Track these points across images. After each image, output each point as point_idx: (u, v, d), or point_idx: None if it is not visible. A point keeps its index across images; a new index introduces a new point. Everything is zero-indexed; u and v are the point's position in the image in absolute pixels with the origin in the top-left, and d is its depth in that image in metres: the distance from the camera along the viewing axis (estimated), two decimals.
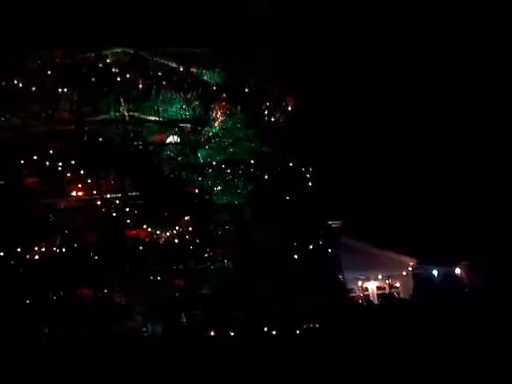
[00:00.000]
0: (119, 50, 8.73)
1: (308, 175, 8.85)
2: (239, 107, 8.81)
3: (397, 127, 10.89)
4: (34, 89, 8.39)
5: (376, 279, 12.80)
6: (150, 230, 8.11)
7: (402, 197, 11.11)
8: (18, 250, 7.71)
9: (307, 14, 10.18)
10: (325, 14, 10.35)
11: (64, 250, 7.86)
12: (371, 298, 12.56)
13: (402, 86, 11.03)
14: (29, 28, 8.61)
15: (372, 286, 13.09)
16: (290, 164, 8.79)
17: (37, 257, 7.74)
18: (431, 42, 11.08)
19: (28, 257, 7.73)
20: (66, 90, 8.40)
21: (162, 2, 9.09)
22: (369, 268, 12.48)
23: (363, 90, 10.63)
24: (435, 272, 11.20)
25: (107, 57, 8.72)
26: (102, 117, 8.56)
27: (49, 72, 8.45)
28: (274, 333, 7.96)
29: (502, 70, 11.40)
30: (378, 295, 12.76)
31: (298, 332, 8.10)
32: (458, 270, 11.23)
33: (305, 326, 8.15)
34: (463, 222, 10.46)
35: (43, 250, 7.78)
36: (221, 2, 9.39)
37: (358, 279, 12.24)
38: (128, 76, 8.54)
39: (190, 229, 8.19)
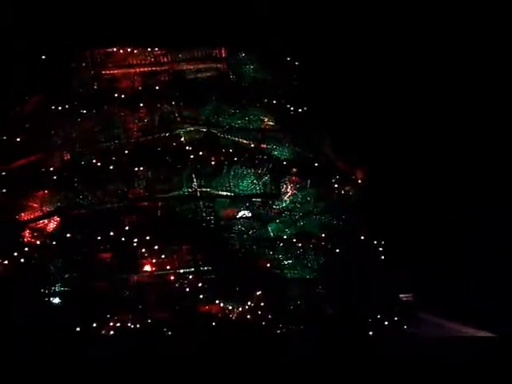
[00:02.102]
0: (192, 129, 9.08)
1: (380, 248, 8.78)
2: (309, 181, 8.92)
3: None
4: (111, 167, 8.74)
5: None
6: (222, 305, 8.12)
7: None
8: (94, 325, 7.84)
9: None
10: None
11: (138, 325, 7.93)
12: None
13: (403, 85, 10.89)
14: None
15: None
16: (362, 237, 8.76)
17: (111, 332, 7.84)
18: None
19: (103, 332, 7.83)
20: (141, 168, 8.70)
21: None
22: None
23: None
24: None
25: (180, 136, 9.09)
26: (175, 193, 8.78)
27: (126, 151, 8.83)
28: None
29: (503, 68, 11.15)
30: None
31: None
32: None
33: None
34: None
35: (118, 325, 7.88)
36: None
37: None
38: (200, 153, 8.80)
39: (262, 304, 8.16)
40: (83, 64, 9.47)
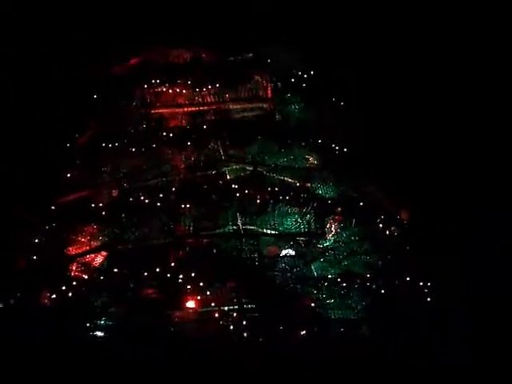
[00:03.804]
0: (238, 167, 9.21)
1: (426, 290, 8.66)
2: (354, 220, 8.91)
3: None
4: (157, 204, 8.89)
5: None
6: (265, 343, 8.08)
7: None
8: (140, 357, 7.87)
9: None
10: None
11: (183, 358, 7.94)
12: None
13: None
14: None
15: None
16: (408, 278, 8.66)
17: (156, 366, 7.85)
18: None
19: (149, 365, 7.86)
20: (187, 205, 8.83)
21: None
22: None
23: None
24: None
25: (226, 174, 9.21)
26: (220, 230, 8.87)
27: (172, 189, 8.99)
28: None
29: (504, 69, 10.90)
30: None
31: None
32: None
33: None
34: None
35: (164, 358, 7.89)
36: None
37: None
38: (246, 191, 8.89)
39: (307, 343, 8.10)
40: (133, 103, 9.77)
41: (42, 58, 10.01)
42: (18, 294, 8.45)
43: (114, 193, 9.24)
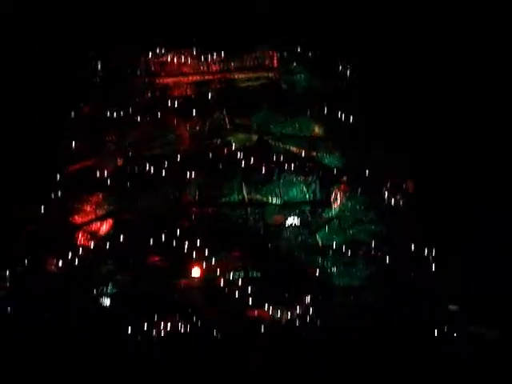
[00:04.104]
0: (243, 136, 9.18)
1: (431, 258, 8.68)
2: (359, 189, 8.91)
3: None
4: (162, 173, 8.89)
5: None
6: (270, 310, 8.15)
7: None
8: (145, 326, 7.97)
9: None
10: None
11: (187, 327, 8.03)
12: None
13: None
14: None
15: None
16: (412, 247, 8.68)
17: (162, 334, 7.95)
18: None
19: (154, 333, 7.96)
20: (192, 174, 8.83)
21: None
22: None
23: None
24: None
25: (231, 143, 9.19)
26: (225, 199, 8.89)
27: (177, 158, 8.98)
28: None
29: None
30: None
31: None
32: None
33: None
34: None
35: (168, 326, 7.99)
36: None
37: None
38: (251, 161, 8.88)
39: (311, 311, 8.17)
40: (138, 72, 9.70)
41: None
42: (25, 262, 8.51)
43: (119, 162, 9.23)
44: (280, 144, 9.11)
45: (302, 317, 8.14)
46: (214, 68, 9.69)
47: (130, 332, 8.00)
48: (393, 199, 8.98)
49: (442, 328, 8.39)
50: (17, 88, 9.97)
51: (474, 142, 10.77)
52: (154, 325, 8.11)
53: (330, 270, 8.50)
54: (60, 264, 8.40)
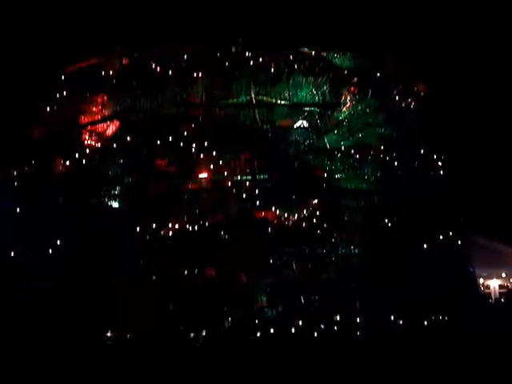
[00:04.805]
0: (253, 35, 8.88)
1: (439, 163, 8.61)
2: (370, 92, 8.72)
3: None
4: (169, 73, 8.68)
5: (499, 277, 12.35)
6: (277, 212, 8.18)
7: None
8: (153, 226, 8.02)
9: None
10: None
11: (195, 228, 8.07)
12: (492, 296, 12.18)
13: None
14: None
15: (494, 284, 12.64)
16: (421, 151, 8.58)
17: (170, 233, 8.02)
18: None
19: (162, 233, 8.02)
20: (199, 74, 8.63)
21: None
22: (492, 265, 12.04)
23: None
24: None
25: (240, 42, 8.90)
26: (233, 100, 8.73)
27: (184, 57, 8.73)
28: (400, 323, 7.80)
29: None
30: (500, 294, 12.34)
31: (425, 323, 7.92)
32: None
33: (433, 318, 7.95)
34: None
35: (176, 227, 8.04)
36: None
37: (480, 276, 11.83)
38: (260, 60, 8.64)
39: (318, 213, 8.19)
40: None
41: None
42: (33, 162, 8.48)
43: (125, 61, 9.01)
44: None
45: (309, 219, 8.16)
46: None
47: (138, 232, 8.06)
48: (403, 102, 8.84)
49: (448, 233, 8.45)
50: None
51: (483, 45, 10.48)
52: (162, 226, 8.17)
53: (338, 173, 8.46)
54: (67, 163, 8.38)
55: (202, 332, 7.55)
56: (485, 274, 12.00)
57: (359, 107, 8.70)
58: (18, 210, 8.23)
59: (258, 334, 7.52)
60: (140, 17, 9.29)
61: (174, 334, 7.60)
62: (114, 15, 9.29)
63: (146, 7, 9.31)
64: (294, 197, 8.18)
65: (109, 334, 7.55)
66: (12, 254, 7.88)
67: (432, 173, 8.53)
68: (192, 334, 7.56)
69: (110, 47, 9.01)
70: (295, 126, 8.71)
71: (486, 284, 12.21)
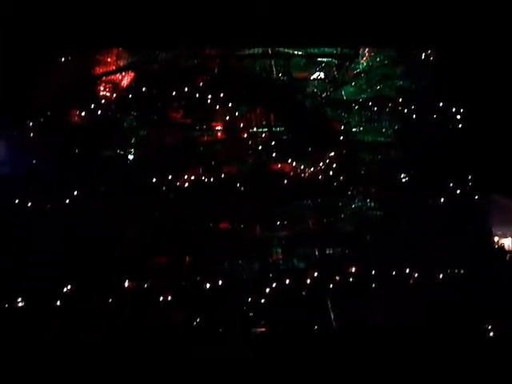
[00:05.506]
0: None
1: (458, 116, 8.49)
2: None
3: None
4: (184, 27, 8.54)
5: None
6: (294, 164, 8.15)
7: None
8: (169, 177, 8.02)
9: None
10: None
11: (210, 179, 8.06)
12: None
13: None
14: None
15: (509, 243, 12.60)
16: (440, 104, 8.46)
17: (186, 184, 8.01)
18: None
19: (178, 184, 8.02)
20: (214, 25, 8.48)
21: None
22: (508, 224, 12.00)
23: None
24: None
25: None
26: (249, 52, 8.60)
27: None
28: (416, 275, 7.81)
29: None
30: None
31: (440, 276, 7.92)
32: None
33: (448, 271, 7.94)
34: None
35: (192, 178, 8.03)
36: None
37: (496, 235, 11.80)
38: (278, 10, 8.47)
39: (334, 165, 8.14)
40: None
41: None
42: (49, 113, 8.45)
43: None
44: None
45: (325, 171, 8.12)
46: None
47: (153, 183, 8.07)
48: (423, 53, 8.68)
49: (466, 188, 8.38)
50: None
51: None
52: (177, 177, 8.16)
53: (355, 125, 8.38)
54: (83, 114, 8.35)
55: (217, 283, 7.62)
56: (499, 233, 12.00)
57: (377, 59, 8.55)
58: (33, 161, 8.29)
59: (274, 285, 7.57)
60: None
61: (189, 286, 7.68)
62: None
63: None
64: (310, 149, 8.13)
65: (126, 284, 7.64)
66: (29, 204, 7.95)
67: (451, 126, 8.41)
68: (208, 285, 7.61)
69: None
70: (312, 78, 8.60)
71: (500, 243, 12.20)
